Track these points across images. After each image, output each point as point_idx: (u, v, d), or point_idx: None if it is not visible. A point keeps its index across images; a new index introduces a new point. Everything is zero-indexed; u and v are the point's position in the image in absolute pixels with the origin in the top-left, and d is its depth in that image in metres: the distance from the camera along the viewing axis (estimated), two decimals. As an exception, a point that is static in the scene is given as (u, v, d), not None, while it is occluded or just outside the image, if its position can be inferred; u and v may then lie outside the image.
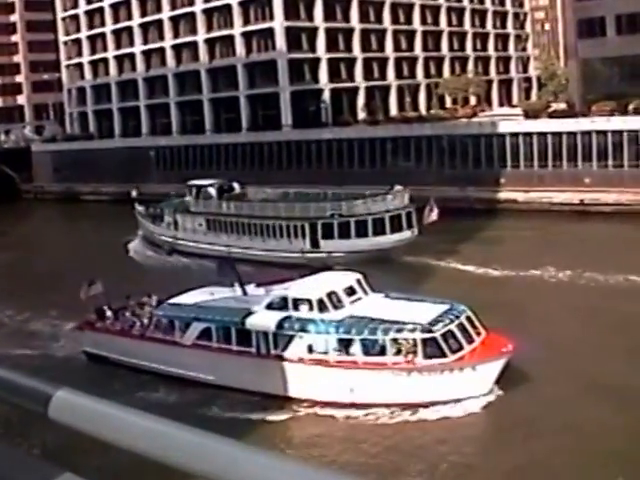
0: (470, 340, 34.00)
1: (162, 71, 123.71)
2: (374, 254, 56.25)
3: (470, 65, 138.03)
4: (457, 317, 34.19)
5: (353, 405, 33.02)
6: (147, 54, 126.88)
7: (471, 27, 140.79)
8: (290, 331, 35.38)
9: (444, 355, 33.11)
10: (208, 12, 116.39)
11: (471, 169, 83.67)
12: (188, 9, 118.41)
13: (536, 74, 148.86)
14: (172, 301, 40.25)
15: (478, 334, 34.39)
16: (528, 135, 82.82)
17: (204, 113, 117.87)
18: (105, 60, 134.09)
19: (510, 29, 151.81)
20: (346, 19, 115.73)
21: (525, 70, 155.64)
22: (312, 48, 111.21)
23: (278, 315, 35.95)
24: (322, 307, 35.80)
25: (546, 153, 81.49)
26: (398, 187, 63.39)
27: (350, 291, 37.16)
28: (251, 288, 39.91)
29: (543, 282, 50.73)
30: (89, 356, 41.03)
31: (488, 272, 53.65)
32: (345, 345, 34.29)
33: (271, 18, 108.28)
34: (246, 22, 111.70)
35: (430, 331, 33.14)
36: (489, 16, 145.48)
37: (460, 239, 61.48)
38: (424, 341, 33.03)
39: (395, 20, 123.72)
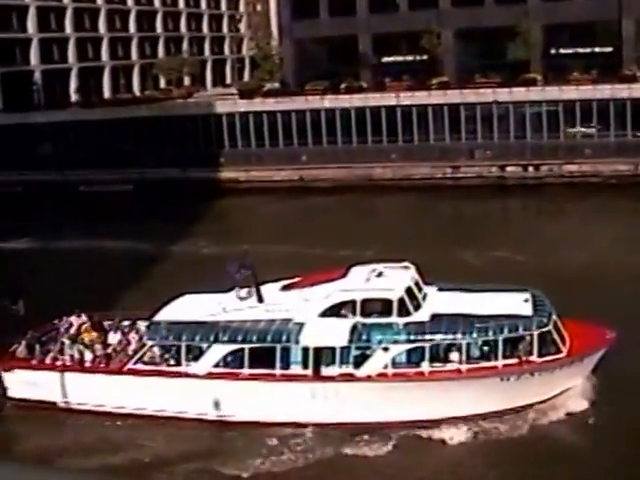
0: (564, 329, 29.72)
1: None
2: None
3: (185, 45, 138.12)
4: (548, 305, 29.64)
5: (456, 419, 28.07)
6: None
7: (185, 7, 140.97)
8: (367, 343, 28.51)
9: (559, 350, 28.72)
10: None
11: (191, 150, 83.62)
12: None
13: (250, 54, 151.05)
14: (162, 319, 31.02)
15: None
16: (244, 115, 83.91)
17: None
18: None
19: (224, 9, 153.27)
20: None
21: (239, 50, 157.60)
22: (22, 28, 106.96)
23: (344, 324, 28.72)
24: (402, 308, 28.99)
25: (262, 132, 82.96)
26: None
27: (419, 286, 30.44)
28: (272, 292, 30.93)
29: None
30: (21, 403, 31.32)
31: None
32: (444, 352, 28.42)
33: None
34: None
35: (545, 325, 28.42)
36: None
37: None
38: (540, 336, 28.26)
39: (109, 0, 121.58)
